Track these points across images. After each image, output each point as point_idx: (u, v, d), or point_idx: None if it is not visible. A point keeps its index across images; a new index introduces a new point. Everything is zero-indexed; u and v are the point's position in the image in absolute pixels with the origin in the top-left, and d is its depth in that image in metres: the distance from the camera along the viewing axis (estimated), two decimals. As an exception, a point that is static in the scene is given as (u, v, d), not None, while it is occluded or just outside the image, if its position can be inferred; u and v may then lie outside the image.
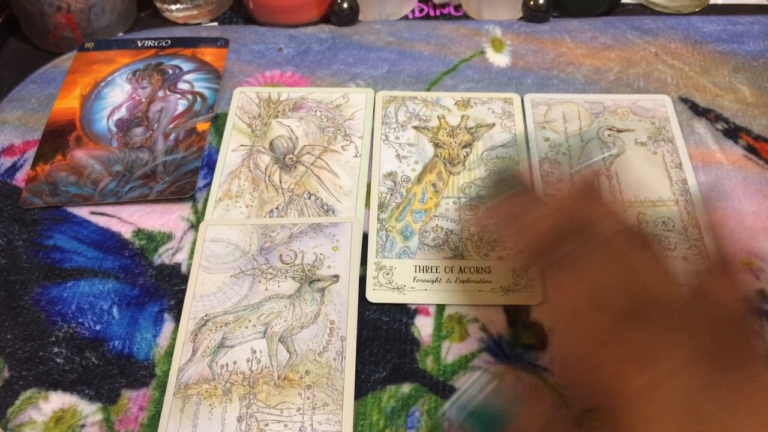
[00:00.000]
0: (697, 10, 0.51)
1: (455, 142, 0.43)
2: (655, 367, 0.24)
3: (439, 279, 0.37)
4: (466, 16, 0.52)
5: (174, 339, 0.35)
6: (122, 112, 0.45)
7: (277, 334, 0.35)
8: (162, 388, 0.34)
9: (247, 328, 0.35)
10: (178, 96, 0.46)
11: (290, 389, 0.33)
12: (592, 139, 0.43)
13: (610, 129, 0.43)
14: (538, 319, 0.36)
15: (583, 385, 0.27)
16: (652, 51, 0.48)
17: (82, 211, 0.41)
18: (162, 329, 0.36)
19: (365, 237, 0.39)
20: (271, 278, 0.37)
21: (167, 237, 0.39)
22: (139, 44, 0.49)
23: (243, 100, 0.46)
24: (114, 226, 0.40)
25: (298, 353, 0.34)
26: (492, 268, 0.37)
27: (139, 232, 0.40)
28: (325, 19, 0.51)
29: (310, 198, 0.41)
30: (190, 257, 0.38)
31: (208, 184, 0.42)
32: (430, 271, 0.37)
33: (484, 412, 0.31)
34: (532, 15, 0.50)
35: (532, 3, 0.50)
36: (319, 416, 0.32)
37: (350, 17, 0.50)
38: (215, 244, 0.38)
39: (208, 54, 0.48)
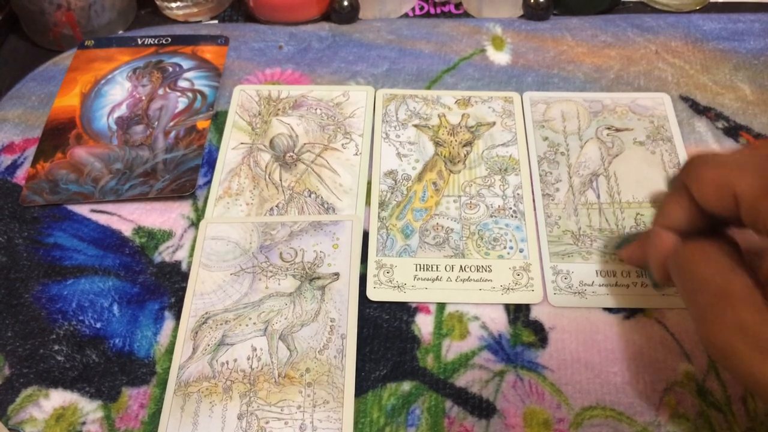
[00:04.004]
0: (697, 8, 0.51)
1: (456, 140, 0.43)
2: None
3: (439, 277, 0.37)
4: (466, 14, 0.52)
5: (174, 337, 0.35)
6: (122, 110, 0.45)
7: (277, 331, 0.35)
8: (162, 385, 0.34)
9: (247, 326, 0.35)
10: (178, 94, 0.46)
11: (291, 387, 0.33)
12: (591, 138, 0.43)
13: (608, 128, 0.43)
14: (537, 318, 0.36)
15: None
16: (652, 49, 0.48)
17: (83, 209, 0.41)
18: (162, 327, 0.36)
19: (366, 235, 0.39)
20: (271, 276, 0.37)
21: (167, 235, 0.40)
22: (139, 42, 0.49)
23: (243, 98, 0.46)
24: (114, 223, 0.40)
25: (299, 351, 0.34)
26: (492, 266, 0.37)
27: (139, 230, 0.40)
28: (326, 17, 0.51)
29: (310, 196, 0.41)
30: (191, 255, 0.38)
31: (209, 182, 0.42)
32: (430, 269, 0.37)
33: None
34: (532, 13, 0.50)
35: (532, 1, 0.50)
36: (320, 414, 0.32)
37: (350, 15, 0.50)
38: (215, 242, 0.38)
39: (208, 52, 0.48)
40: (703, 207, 0.28)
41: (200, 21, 0.52)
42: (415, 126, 0.44)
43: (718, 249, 0.28)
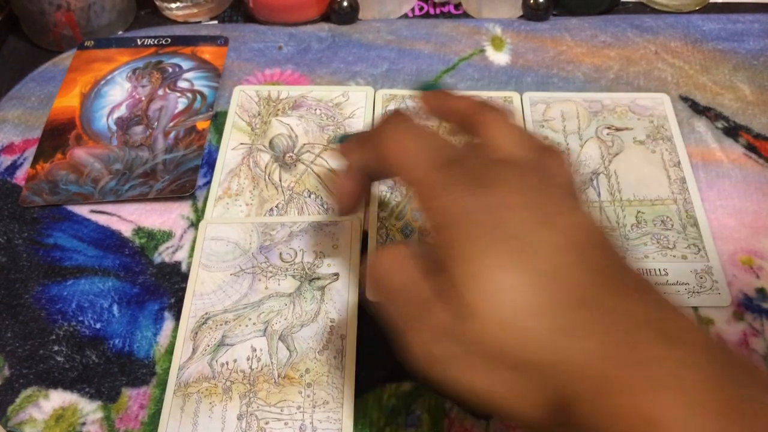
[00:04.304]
0: (697, 8, 0.51)
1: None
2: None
3: (439, 277, 0.37)
4: (465, 15, 0.52)
5: (174, 337, 0.35)
6: (122, 111, 0.45)
7: (277, 332, 0.35)
8: (162, 386, 0.34)
9: (247, 326, 0.35)
10: (178, 94, 0.46)
11: (290, 387, 0.33)
12: (591, 137, 0.43)
13: (608, 128, 0.43)
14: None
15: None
16: (652, 49, 0.48)
17: (82, 210, 0.41)
18: (162, 327, 0.36)
19: (365, 235, 0.39)
20: (271, 276, 0.37)
21: (167, 235, 0.39)
22: (139, 42, 0.49)
23: (243, 98, 0.46)
24: (114, 224, 0.40)
25: (298, 351, 0.34)
26: (492, 266, 0.37)
27: (139, 231, 0.40)
28: (325, 18, 0.51)
29: (310, 196, 0.41)
30: (190, 255, 0.38)
31: (208, 183, 0.42)
32: (430, 269, 0.37)
33: None
34: (531, 13, 0.50)
35: (532, 1, 0.50)
36: (320, 414, 0.32)
37: (350, 15, 0.50)
38: (215, 242, 0.38)
39: (207, 52, 0.48)
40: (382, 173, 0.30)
41: (200, 21, 0.52)
42: (415, 126, 0.44)
43: (410, 251, 0.26)
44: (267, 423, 0.32)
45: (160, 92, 0.46)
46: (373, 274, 0.27)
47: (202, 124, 0.44)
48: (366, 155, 0.30)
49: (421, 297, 0.24)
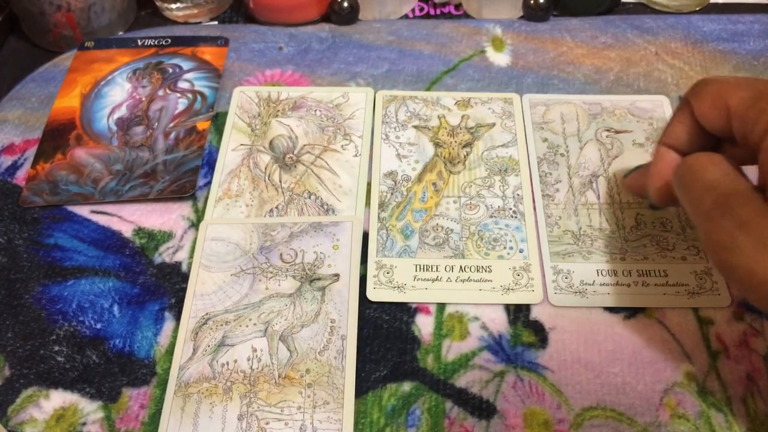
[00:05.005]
0: (697, 9, 0.51)
1: (455, 141, 0.43)
2: None
3: (439, 278, 0.37)
4: (466, 15, 0.52)
5: (175, 337, 0.35)
6: (122, 111, 0.45)
7: (277, 332, 0.35)
8: (163, 386, 0.34)
9: (247, 326, 0.35)
10: (178, 95, 0.46)
11: (291, 388, 0.33)
12: (590, 140, 0.43)
13: (607, 130, 0.43)
14: (537, 318, 0.36)
15: None
16: (652, 50, 0.48)
17: (83, 210, 0.41)
18: (163, 328, 0.36)
19: (365, 236, 0.39)
20: (271, 277, 0.37)
21: (168, 236, 0.40)
22: (139, 43, 0.49)
23: (242, 99, 0.46)
24: (114, 224, 0.40)
25: (299, 352, 0.34)
26: (492, 267, 0.37)
27: (139, 231, 0.40)
28: (326, 18, 0.51)
29: (310, 197, 0.41)
30: (191, 256, 0.38)
31: (208, 183, 0.42)
32: (430, 269, 0.37)
33: None
34: (532, 14, 0.50)
35: (532, 2, 0.50)
36: (320, 415, 0.32)
37: (350, 16, 0.51)
38: (215, 243, 0.38)
39: (208, 53, 0.48)
40: (701, 122, 0.30)
41: (200, 22, 0.52)
42: (415, 127, 0.44)
43: (723, 157, 0.29)
44: (267, 423, 0.32)
45: (161, 93, 0.46)
46: (683, 168, 0.29)
47: (203, 124, 0.44)
48: (689, 123, 0.31)
49: (733, 188, 0.27)
